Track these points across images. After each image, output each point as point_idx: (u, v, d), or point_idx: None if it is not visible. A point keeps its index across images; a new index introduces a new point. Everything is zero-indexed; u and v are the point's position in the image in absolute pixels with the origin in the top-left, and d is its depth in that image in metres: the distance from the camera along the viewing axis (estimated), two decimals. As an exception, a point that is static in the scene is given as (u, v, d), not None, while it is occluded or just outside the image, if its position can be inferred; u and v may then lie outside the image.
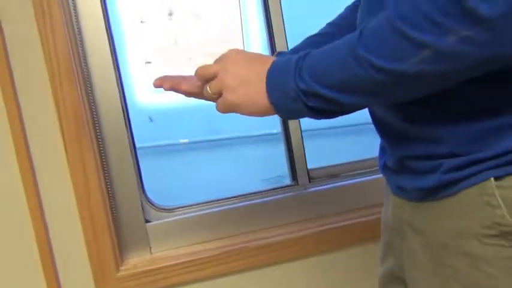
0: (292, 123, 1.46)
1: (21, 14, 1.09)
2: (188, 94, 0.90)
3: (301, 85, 0.69)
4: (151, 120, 2.71)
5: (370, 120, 0.82)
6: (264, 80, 0.74)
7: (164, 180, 1.95)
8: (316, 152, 1.59)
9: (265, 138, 2.81)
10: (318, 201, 1.40)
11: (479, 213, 0.68)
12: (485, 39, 0.54)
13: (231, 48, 0.86)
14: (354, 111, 0.73)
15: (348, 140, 2.29)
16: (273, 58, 0.77)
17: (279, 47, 1.37)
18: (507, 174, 0.66)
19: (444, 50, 0.56)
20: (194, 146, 2.87)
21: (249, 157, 2.84)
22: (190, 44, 2.86)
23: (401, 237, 0.82)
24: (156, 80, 0.95)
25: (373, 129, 0.83)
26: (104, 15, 1.23)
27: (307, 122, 1.40)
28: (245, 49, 2.82)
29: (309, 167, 1.42)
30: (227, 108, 0.81)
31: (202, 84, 0.85)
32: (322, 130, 2.00)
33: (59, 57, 1.09)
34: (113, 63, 1.27)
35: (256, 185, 2.12)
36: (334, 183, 1.40)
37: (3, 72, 1.09)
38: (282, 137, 1.48)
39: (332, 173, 1.43)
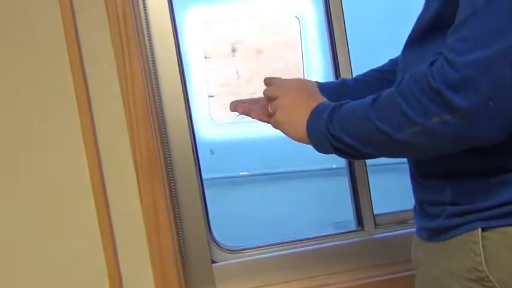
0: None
1: (102, 56, 1.14)
2: (256, 118, 1.04)
3: (330, 129, 0.82)
4: (212, 152, 2.75)
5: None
6: (309, 113, 0.87)
7: (224, 213, 1.96)
8: (382, 188, 1.57)
9: (324, 173, 2.80)
10: (384, 248, 1.38)
11: (464, 258, 0.80)
12: (461, 124, 0.69)
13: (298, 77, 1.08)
14: (373, 158, 0.86)
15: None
16: (323, 99, 0.92)
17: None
18: (493, 227, 0.77)
19: (430, 128, 0.71)
20: (254, 178, 2.89)
21: (308, 192, 2.83)
22: (252, 78, 2.92)
23: (416, 272, 0.95)
24: (232, 104, 1.06)
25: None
26: (178, 58, 1.27)
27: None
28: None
29: (375, 211, 1.41)
30: (275, 124, 0.95)
31: (267, 104, 0.98)
32: (389, 166, 1.96)
33: (136, 99, 1.14)
34: (185, 102, 1.30)
35: (317, 225, 2.11)
36: (401, 229, 1.37)
37: (84, 110, 1.14)
38: (346, 174, 1.46)
39: (399, 219, 1.41)
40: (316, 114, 0.87)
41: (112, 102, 1.16)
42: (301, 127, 0.87)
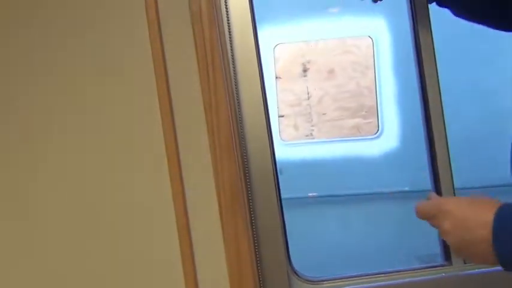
0: (444, 182, 1.34)
1: (191, 100, 1.15)
2: None
3: None
4: (281, 172, 2.73)
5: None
6: (489, 227, 0.69)
7: (293, 234, 1.93)
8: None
9: (395, 196, 2.73)
10: (473, 285, 1.31)
11: None
12: None
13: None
14: None
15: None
16: (498, 203, 0.71)
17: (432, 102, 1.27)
18: None
19: None
20: (322, 200, 2.85)
21: (378, 215, 2.76)
22: (323, 99, 2.90)
23: None
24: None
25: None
26: (261, 87, 1.26)
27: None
28: (380, 104, 2.79)
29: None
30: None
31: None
32: (477, 189, 1.86)
33: (221, 131, 1.14)
34: (267, 128, 1.28)
35: (392, 253, 2.05)
36: (491, 267, 1.30)
37: (170, 139, 1.15)
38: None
39: (489, 255, 1.33)
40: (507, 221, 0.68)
41: (198, 135, 1.16)
42: (485, 246, 0.69)
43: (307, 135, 2.89)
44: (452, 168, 1.22)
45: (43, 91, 1.13)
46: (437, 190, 1.29)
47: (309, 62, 2.84)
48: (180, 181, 1.16)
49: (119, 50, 1.11)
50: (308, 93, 2.86)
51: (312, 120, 2.91)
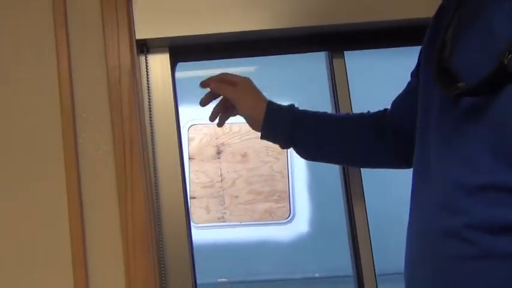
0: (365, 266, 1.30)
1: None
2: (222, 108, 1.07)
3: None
4: (191, 256, 2.63)
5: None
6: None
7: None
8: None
9: (306, 282, 2.70)
10: None
11: None
12: None
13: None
14: None
15: None
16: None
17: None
18: None
19: None
20: (233, 286, 2.76)
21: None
22: (236, 182, 2.89)
23: None
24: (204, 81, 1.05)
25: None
26: (181, 167, 1.20)
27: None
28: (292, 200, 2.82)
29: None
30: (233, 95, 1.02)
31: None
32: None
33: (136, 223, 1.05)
34: (185, 212, 1.21)
35: None
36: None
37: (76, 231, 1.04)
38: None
39: None
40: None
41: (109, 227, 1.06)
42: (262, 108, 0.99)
43: (219, 218, 2.84)
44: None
45: None
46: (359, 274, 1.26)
47: (223, 144, 2.84)
48: (84, 268, 1.04)
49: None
50: (221, 175, 2.84)
51: (224, 203, 2.87)
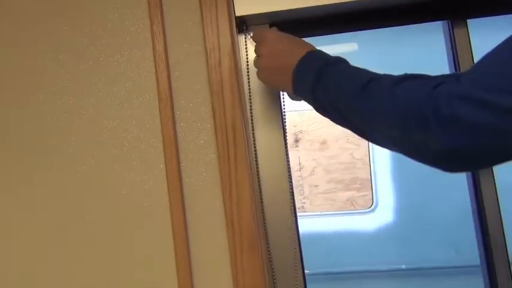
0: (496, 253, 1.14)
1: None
2: None
3: (316, 92, 0.77)
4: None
5: None
6: (298, 58, 0.81)
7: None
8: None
9: (393, 274, 2.59)
10: None
11: None
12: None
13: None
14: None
15: None
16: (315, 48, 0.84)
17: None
18: None
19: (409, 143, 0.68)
20: (314, 278, 2.67)
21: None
22: (315, 171, 2.78)
23: None
24: None
25: None
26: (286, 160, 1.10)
27: None
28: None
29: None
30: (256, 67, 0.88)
31: None
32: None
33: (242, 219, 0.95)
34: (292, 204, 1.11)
35: None
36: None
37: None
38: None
39: None
40: (305, 65, 0.80)
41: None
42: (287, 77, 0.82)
43: (298, 208, 2.75)
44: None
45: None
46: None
47: (300, 131, 2.74)
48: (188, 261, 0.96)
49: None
50: (300, 164, 2.74)
51: (303, 192, 2.78)
